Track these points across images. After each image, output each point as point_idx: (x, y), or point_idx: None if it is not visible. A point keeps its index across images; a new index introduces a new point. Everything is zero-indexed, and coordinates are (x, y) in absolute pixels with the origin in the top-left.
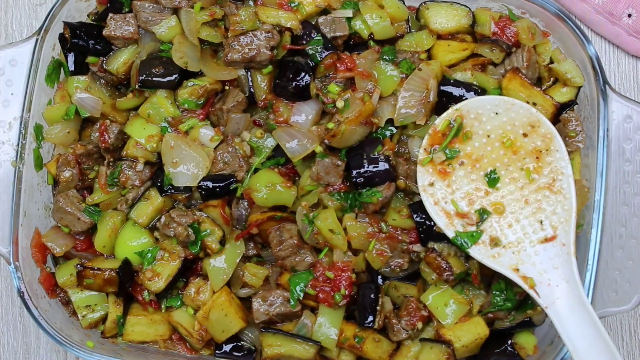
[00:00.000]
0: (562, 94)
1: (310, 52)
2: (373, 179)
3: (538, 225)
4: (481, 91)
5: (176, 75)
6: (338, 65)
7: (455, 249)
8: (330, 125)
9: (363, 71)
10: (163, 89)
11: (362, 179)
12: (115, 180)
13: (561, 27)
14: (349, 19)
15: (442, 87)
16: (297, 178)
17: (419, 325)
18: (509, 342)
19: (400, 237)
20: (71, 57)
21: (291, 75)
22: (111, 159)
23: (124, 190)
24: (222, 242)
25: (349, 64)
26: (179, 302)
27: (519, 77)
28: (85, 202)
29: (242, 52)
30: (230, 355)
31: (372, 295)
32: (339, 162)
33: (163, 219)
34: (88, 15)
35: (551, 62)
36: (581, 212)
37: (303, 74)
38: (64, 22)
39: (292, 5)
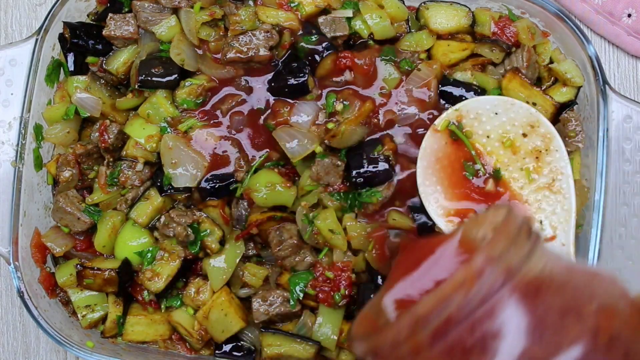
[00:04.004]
0: (562, 94)
1: (310, 51)
2: (373, 179)
3: (538, 225)
4: (481, 91)
5: (175, 75)
6: (338, 64)
7: None
8: (330, 125)
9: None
10: (162, 89)
11: (362, 179)
12: (115, 180)
13: (561, 27)
14: (349, 19)
15: (442, 87)
16: (297, 178)
17: None
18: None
19: None
20: (71, 57)
21: (290, 75)
22: (111, 159)
23: (124, 190)
24: (222, 242)
25: (348, 64)
26: (179, 302)
27: (519, 77)
28: (85, 202)
29: (241, 52)
30: (230, 355)
31: (372, 295)
32: (339, 162)
33: (163, 219)
34: (88, 15)
35: (551, 62)
36: (581, 212)
37: (301, 73)
38: (64, 22)
39: (292, 5)
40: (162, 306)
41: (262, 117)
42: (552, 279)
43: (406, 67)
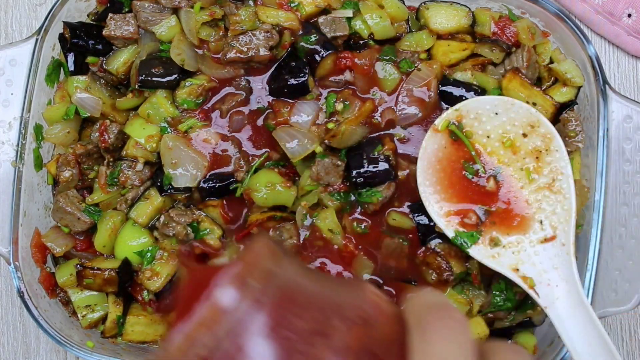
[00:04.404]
0: (562, 94)
1: (309, 51)
2: (373, 179)
3: (538, 225)
4: (481, 91)
5: (175, 75)
6: (338, 64)
7: (455, 249)
8: (330, 125)
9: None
10: (162, 89)
11: (362, 179)
12: (115, 180)
13: (561, 27)
14: (349, 19)
15: (442, 87)
16: (297, 178)
17: None
18: (509, 342)
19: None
20: (71, 57)
21: (290, 75)
22: (111, 159)
23: (124, 190)
24: (222, 241)
25: (348, 64)
26: None
27: (519, 77)
28: (85, 202)
29: (241, 52)
30: None
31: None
32: (339, 162)
33: (162, 218)
34: (88, 15)
35: (551, 62)
36: (581, 212)
37: (301, 73)
38: (64, 22)
39: (292, 5)
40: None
41: (262, 117)
42: (298, 298)
43: (406, 67)
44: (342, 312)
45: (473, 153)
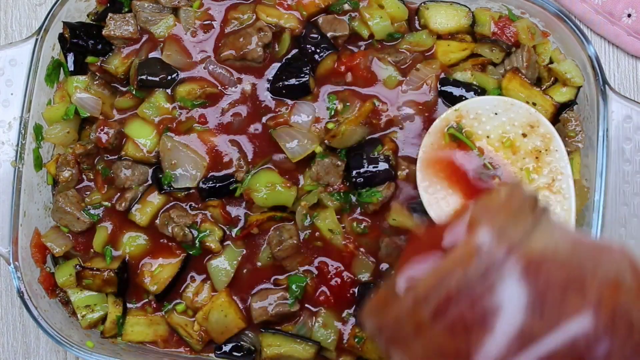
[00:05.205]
0: (562, 94)
1: (310, 51)
2: (373, 179)
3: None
4: (481, 91)
5: (174, 75)
6: (338, 64)
7: None
8: (330, 125)
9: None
10: (161, 87)
11: (362, 179)
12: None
13: (561, 27)
14: (349, 19)
15: (442, 87)
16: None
17: None
18: None
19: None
20: (71, 57)
21: (291, 75)
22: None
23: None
24: (222, 242)
25: (348, 64)
26: (179, 304)
27: (519, 77)
28: (85, 202)
29: (234, 50)
30: (230, 355)
31: (372, 295)
32: (339, 162)
33: (162, 219)
34: (88, 15)
35: (551, 62)
36: (581, 212)
37: (302, 73)
38: (64, 22)
39: (292, 4)
40: (162, 308)
41: (262, 118)
42: (557, 254)
43: (406, 67)
44: (597, 272)
45: (476, 152)
